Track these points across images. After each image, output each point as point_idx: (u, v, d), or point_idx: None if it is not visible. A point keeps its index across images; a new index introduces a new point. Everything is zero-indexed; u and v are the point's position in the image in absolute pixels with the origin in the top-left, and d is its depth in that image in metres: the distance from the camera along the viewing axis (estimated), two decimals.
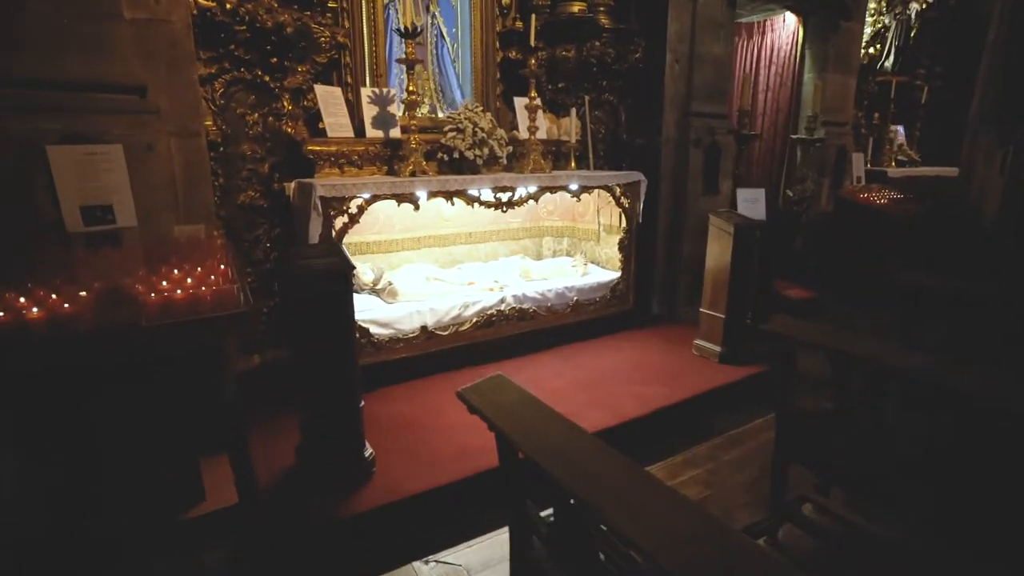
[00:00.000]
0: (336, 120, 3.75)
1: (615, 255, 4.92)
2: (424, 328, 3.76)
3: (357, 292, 3.91)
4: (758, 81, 6.65)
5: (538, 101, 4.14)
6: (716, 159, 5.17)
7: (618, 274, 4.70)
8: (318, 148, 3.68)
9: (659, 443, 3.28)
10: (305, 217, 3.17)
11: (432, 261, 4.69)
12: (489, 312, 4.03)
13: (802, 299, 5.57)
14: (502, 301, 4.11)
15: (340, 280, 2.28)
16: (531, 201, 4.08)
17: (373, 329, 3.60)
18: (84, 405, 1.83)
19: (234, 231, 3.59)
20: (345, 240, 3.39)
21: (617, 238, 4.89)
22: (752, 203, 4.81)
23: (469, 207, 3.80)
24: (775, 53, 6.56)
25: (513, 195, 3.96)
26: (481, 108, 4.08)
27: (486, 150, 3.91)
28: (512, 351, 4.13)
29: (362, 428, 2.55)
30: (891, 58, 8.08)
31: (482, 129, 3.92)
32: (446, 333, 3.86)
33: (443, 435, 3.06)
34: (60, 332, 1.69)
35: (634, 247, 4.67)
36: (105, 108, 2.34)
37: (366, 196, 3.35)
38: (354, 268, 2.36)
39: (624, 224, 4.62)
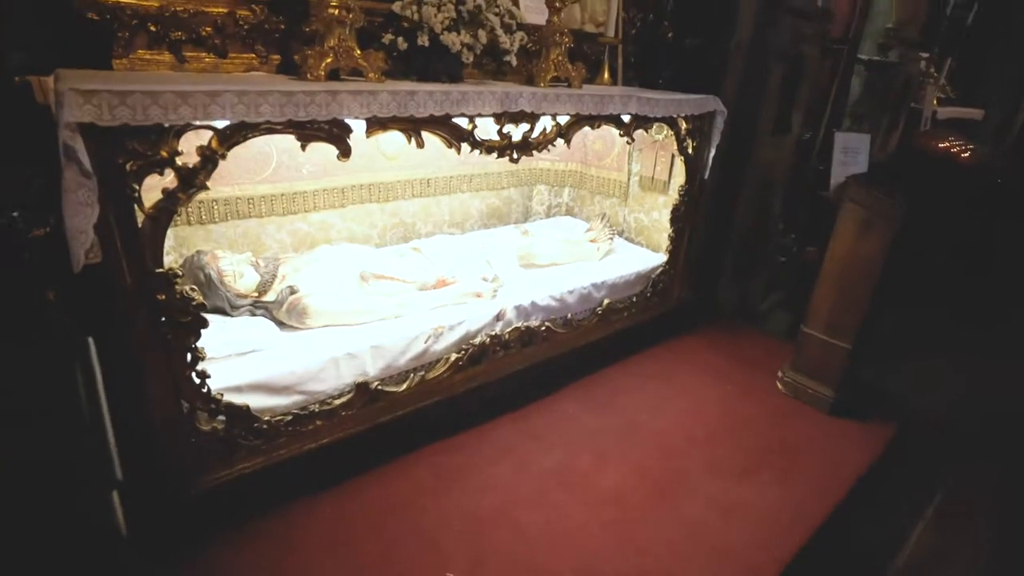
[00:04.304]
0: None
1: (651, 225, 3.24)
2: (363, 386, 1.96)
3: (227, 312, 1.99)
4: None
5: None
6: (796, 81, 3.50)
7: (662, 257, 3.04)
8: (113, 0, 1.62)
9: None
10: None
11: (367, 228, 2.79)
12: (477, 340, 2.28)
13: None
14: (499, 318, 2.35)
15: None
16: (559, 142, 2.23)
17: (256, 402, 1.75)
18: None
19: None
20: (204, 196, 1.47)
21: (654, 198, 3.20)
22: (854, 155, 3.24)
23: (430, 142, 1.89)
24: None
25: (532, 129, 2.10)
26: None
27: (483, 35, 1.97)
28: (513, 400, 2.44)
29: None
30: None
31: None
32: (402, 388, 2.08)
33: None
34: None
35: (692, 218, 2.99)
36: None
37: (219, 124, 1.39)
38: None
39: (682, 179, 2.89)
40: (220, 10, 1.82)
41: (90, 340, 1.05)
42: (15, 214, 1.76)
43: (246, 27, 1.88)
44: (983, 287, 4.83)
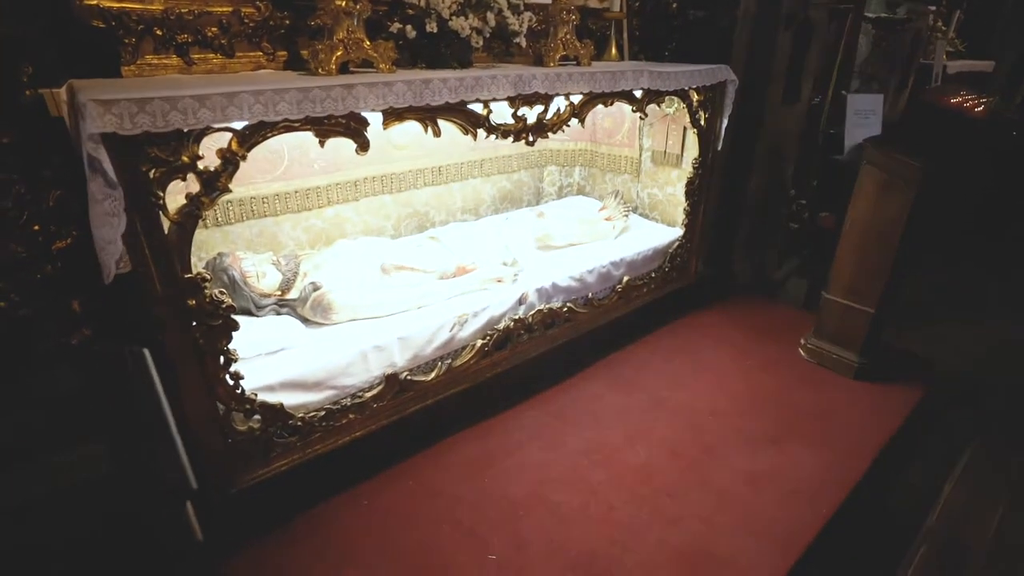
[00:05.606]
0: None
1: (665, 199, 3.22)
2: (393, 377, 1.98)
3: (252, 312, 2.01)
4: None
5: None
6: (804, 47, 3.43)
7: (679, 232, 3.02)
8: (118, 4, 1.61)
9: None
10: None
11: (381, 220, 2.78)
12: (501, 324, 2.29)
13: None
14: (521, 301, 2.36)
15: None
16: (573, 122, 2.21)
17: (289, 399, 1.77)
18: None
19: None
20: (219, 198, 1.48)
21: (668, 172, 3.17)
22: (866, 116, 3.19)
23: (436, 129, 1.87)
24: None
25: (546, 110, 2.08)
26: None
27: (491, 18, 1.94)
28: (540, 382, 2.46)
29: None
30: None
31: None
32: (431, 377, 2.10)
33: None
34: None
35: (707, 191, 2.97)
36: None
37: (237, 125, 1.39)
38: None
39: (695, 152, 2.86)
40: (225, 9, 1.80)
41: (146, 351, 1.05)
42: (36, 227, 1.78)
43: (252, 25, 1.86)
44: (1005, 244, 4.77)
